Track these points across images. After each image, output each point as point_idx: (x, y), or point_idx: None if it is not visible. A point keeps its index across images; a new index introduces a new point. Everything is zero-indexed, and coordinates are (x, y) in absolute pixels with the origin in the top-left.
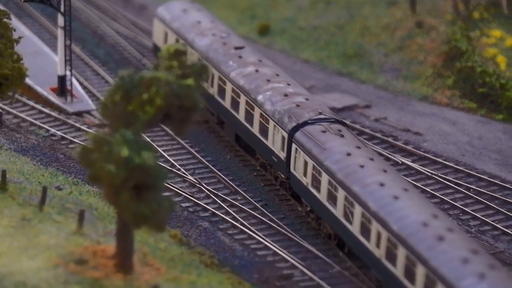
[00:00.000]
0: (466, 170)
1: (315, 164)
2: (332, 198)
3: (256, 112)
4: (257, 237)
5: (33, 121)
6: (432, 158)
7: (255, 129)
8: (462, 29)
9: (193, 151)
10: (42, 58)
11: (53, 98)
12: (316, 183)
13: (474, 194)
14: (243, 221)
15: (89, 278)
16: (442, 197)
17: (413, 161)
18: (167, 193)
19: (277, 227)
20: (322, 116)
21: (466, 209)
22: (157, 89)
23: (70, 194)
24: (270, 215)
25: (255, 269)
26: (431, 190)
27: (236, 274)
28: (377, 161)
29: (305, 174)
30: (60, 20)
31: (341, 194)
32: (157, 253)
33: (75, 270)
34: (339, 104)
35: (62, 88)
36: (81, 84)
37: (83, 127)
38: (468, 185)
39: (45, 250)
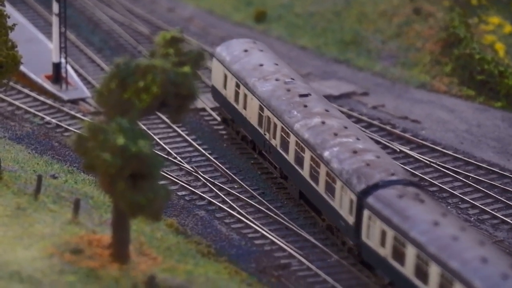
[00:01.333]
0: (465, 158)
1: (397, 235)
2: (421, 273)
3: (322, 170)
4: (254, 226)
5: (28, 108)
6: (430, 146)
7: (321, 188)
8: (460, 15)
9: (189, 139)
10: (37, 45)
11: (48, 85)
12: (399, 256)
13: (473, 182)
14: (240, 210)
15: (84, 268)
16: (441, 185)
17: (411, 149)
18: (163, 182)
19: (275, 216)
20: (395, 178)
21: (465, 198)
22: (153, 76)
23: (66, 183)
24: (268, 204)
25: (252, 259)
26: (429, 178)
27: (233, 264)
28: (469, 231)
29: (382, 244)
30: (55, 7)
31: (434, 270)
32: (154, 243)
33: (70, 259)
34: (336, 91)
35: (57, 76)
36: (76, 71)
37: (78, 115)
38: (467, 173)
39: (40, 240)
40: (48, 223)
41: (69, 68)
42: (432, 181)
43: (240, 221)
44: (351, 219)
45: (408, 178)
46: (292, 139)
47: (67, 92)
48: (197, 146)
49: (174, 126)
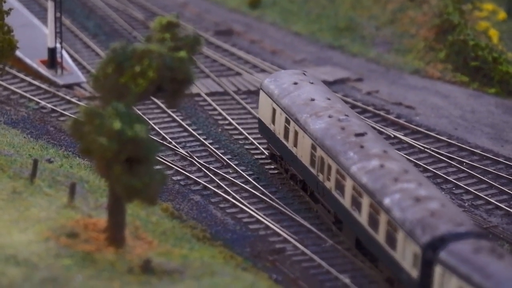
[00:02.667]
0: (459, 144)
1: None
2: None
3: (383, 218)
4: (249, 211)
5: (23, 93)
6: (424, 132)
7: (381, 237)
8: (454, 2)
9: (184, 124)
10: (32, 30)
11: (43, 70)
12: None
13: (467, 168)
14: (235, 195)
15: (80, 252)
16: (435, 171)
17: (405, 135)
18: (158, 166)
19: (269, 201)
20: (463, 229)
21: (459, 183)
22: (149, 61)
23: (61, 167)
24: (262, 189)
25: (247, 243)
26: (423, 164)
27: (228, 248)
28: None
29: None
30: None
31: None
32: (149, 227)
33: (66, 243)
34: (331, 77)
35: (52, 61)
36: (71, 56)
37: (74, 100)
38: (461, 159)
39: (36, 223)
40: (44, 207)
41: (64, 53)
42: (427, 166)
43: (235, 205)
44: (415, 273)
45: (477, 229)
46: (349, 183)
47: (62, 77)
48: (192, 131)
49: (169, 111)
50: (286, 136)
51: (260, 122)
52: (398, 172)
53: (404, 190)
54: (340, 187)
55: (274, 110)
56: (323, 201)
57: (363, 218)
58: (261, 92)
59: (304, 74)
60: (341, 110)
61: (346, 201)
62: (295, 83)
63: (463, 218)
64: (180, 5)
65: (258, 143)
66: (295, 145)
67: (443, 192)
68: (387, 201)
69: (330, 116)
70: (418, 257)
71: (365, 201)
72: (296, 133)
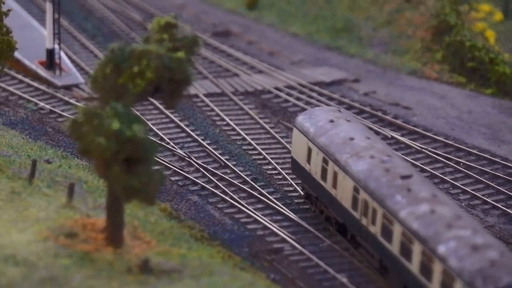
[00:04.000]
0: (456, 144)
1: None
2: None
3: (437, 267)
4: (247, 211)
5: (22, 94)
6: (421, 132)
7: (435, 287)
8: (451, 3)
9: (182, 125)
10: (31, 32)
11: (42, 71)
12: None
13: (464, 169)
14: (233, 195)
15: (79, 251)
16: (432, 171)
17: (402, 135)
18: (157, 167)
19: (267, 201)
20: None
21: (456, 183)
22: (147, 62)
23: (60, 168)
24: (260, 189)
25: (245, 243)
26: (421, 164)
27: (226, 248)
28: None
29: None
30: None
31: None
32: (147, 227)
33: (65, 243)
34: (328, 78)
35: (50, 62)
36: (69, 57)
37: (72, 101)
38: (458, 159)
39: (35, 223)
40: (42, 207)
41: (62, 54)
42: (424, 167)
43: (233, 206)
44: None
45: None
46: (397, 228)
47: (61, 78)
48: (190, 132)
49: (167, 112)
50: (323, 176)
51: (293, 161)
52: (450, 218)
53: (459, 238)
54: (387, 232)
55: (309, 149)
56: (367, 246)
57: (413, 265)
58: (294, 130)
59: (340, 111)
60: (382, 150)
61: (394, 247)
62: (331, 121)
63: None
64: (178, 6)
65: (291, 179)
66: (335, 186)
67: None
68: (442, 249)
69: (372, 157)
70: None
71: (417, 248)
72: (335, 174)
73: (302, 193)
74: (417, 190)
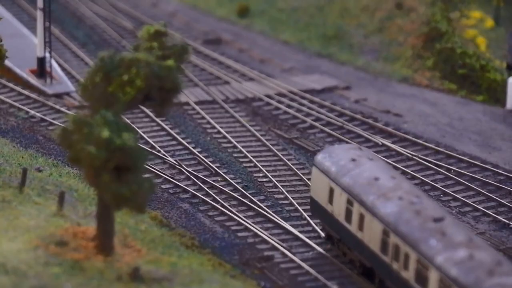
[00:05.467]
0: (447, 151)
1: None
2: None
3: None
4: (237, 218)
5: (13, 103)
6: (412, 140)
7: None
8: (442, 10)
9: (173, 133)
10: (21, 40)
11: (33, 80)
12: None
13: (454, 176)
14: (223, 203)
15: (69, 260)
16: (423, 178)
17: (393, 142)
18: (147, 175)
19: (258, 209)
20: None
21: (447, 190)
22: (137, 70)
23: (50, 176)
24: (251, 197)
25: (235, 251)
26: (411, 171)
27: (217, 256)
28: None
29: None
30: (40, 1)
31: None
32: (138, 235)
33: (55, 251)
34: (319, 85)
35: (41, 70)
36: (60, 66)
37: (63, 109)
38: (449, 166)
39: (25, 232)
40: (33, 216)
41: (53, 62)
42: (414, 174)
43: (223, 213)
44: None
45: None
46: (434, 275)
47: (52, 86)
48: (180, 139)
49: (157, 120)
50: (348, 218)
51: (313, 201)
52: (491, 264)
53: (503, 286)
54: (422, 278)
55: (331, 190)
56: None
57: None
58: (313, 169)
59: (360, 149)
60: (410, 190)
61: None
62: (353, 160)
63: None
64: (169, 14)
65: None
66: (361, 229)
67: None
68: None
69: (400, 198)
70: None
71: None
72: (361, 216)
73: (322, 234)
74: (452, 233)
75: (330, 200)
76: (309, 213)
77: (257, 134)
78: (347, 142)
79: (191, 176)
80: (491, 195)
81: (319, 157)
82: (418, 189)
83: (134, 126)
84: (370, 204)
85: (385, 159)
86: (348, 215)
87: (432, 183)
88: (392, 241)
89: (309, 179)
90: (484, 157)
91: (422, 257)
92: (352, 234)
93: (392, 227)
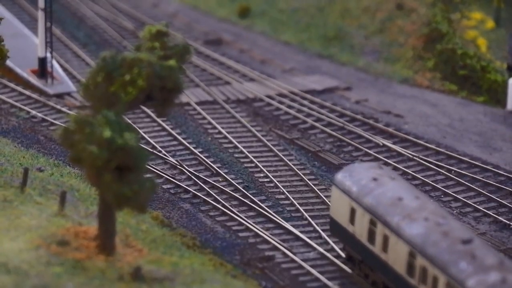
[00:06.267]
0: (447, 152)
1: None
2: None
3: None
4: (238, 219)
5: (14, 103)
6: (413, 140)
7: None
8: (442, 11)
9: (174, 133)
10: (23, 40)
11: (34, 80)
12: None
13: (455, 176)
14: (224, 203)
15: (71, 260)
16: (424, 179)
17: (394, 143)
18: (148, 175)
19: (259, 209)
20: None
21: (448, 191)
22: (139, 70)
23: (52, 176)
24: (252, 197)
25: (237, 251)
26: (412, 172)
27: (218, 256)
28: None
29: None
30: (41, 2)
31: None
32: (139, 235)
33: (57, 251)
34: (320, 86)
35: (42, 70)
36: (61, 66)
37: (64, 109)
38: (449, 167)
39: (26, 232)
40: (34, 216)
41: (54, 62)
42: (415, 174)
43: (224, 214)
44: None
45: None
46: None
47: (53, 87)
48: (182, 140)
49: (159, 120)
50: (371, 239)
51: (333, 221)
52: None
53: None
54: None
55: (353, 210)
56: None
57: None
58: (334, 189)
59: (381, 167)
60: (436, 211)
61: None
62: (375, 179)
63: None
64: (170, 15)
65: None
66: (385, 250)
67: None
68: None
69: (426, 219)
70: None
71: None
72: (386, 238)
73: (343, 254)
74: (483, 256)
75: (352, 220)
76: (327, 231)
77: (258, 134)
78: (348, 144)
79: (192, 177)
80: (491, 195)
81: (339, 176)
82: (443, 209)
83: (135, 126)
84: (395, 225)
85: (386, 160)
86: (371, 236)
87: (433, 184)
88: (419, 263)
89: (309, 180)
90: (485, 158)
91: (452, 280)
92: (376, 255)
93: (419, 249)
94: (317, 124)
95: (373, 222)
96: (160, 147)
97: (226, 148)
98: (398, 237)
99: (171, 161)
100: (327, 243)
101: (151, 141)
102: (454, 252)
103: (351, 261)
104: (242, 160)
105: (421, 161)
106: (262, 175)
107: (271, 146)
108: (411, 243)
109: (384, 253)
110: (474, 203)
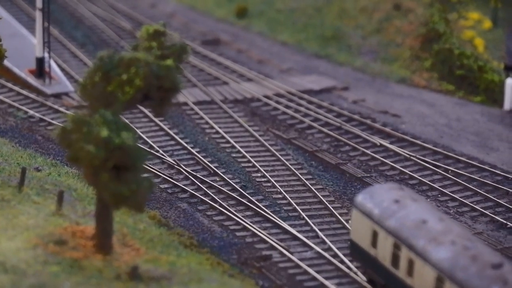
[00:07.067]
0: (444, 152)
1: None
2: None
3: None
4: (236, 218)
5: (12, 103)
6: (410, 140)
7: None
8: (440, 11)
9: (171, 133)
10: (20, 40)
11: (32, 80)
12: None
13: (452, 176)
14: (222, 203)
15: (68, 259)
16: (421, 178)
17: (391, 143)
18: (146, 174)
19: (256, 209)
20: None
21: (445, 191)
22: (136, 69)
23: (49, 175)
24: (249, 196)
25: (234, 250)
26: (409, 171)
27: (215, 255)
28: None
29: None
30: (39, 2)
31: None
32: (136, 234)
33: (54, 250)
34: (317, 86)
35: (40, 70)
36: (59, 66)
37: (62, 109)
38: (447, 167)
39: (24, 231)
40: (32, 215)
41: (52, 62)
42: (412, 174)
43: (222, 213)
44: None
45: None
46: None
47: (51, 87)
48: (179, 139)
49: (156, 120)
50: (395, 263)
51: (353, 244)
52: None
53: None
54: None
55: (375, 233)
56: None
57: None
58: (354, 211)
59: (402, 188)
60: (461, 234)
61: None
62: (397, 201)
63: None
64: (167, 15)
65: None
66: (410, 274)
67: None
68: None
69: (453, 243)
70: None
71: None
72: (411, 262)
73: (364, 277)
74: None
75: (374, 244)
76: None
77: (256, 134)
78: (345, 143)
79: (189, 176)
80: (488, 195)
81: (360, 198)
82: (469, 232)
83: (133, 126)
84: (420, 248)
85: (384, 160)
86: (395, 259)
87: (430, 183)
88: None
89: (307, 180)
90: (482, 157)
91: None
92: (400, 279)
93: (448, 274)
94: (314, 124)
95: (397, 245)
96: (158, 146)
97: (223, 148)
98: (425, 261)
99: (169, 161)
100: (324, 242)
101: (149, 140)
102: (485, 278)
103: (373, 285)
104: (239, 160)
105: (418, 161)
106: (259, 174)
107: (269, 146)
108: (438, 268)
109: (409, 277)
110: (471, 202)
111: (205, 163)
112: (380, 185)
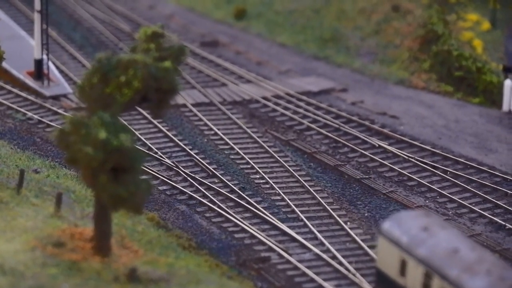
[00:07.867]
0: (443, 153)
1: None
2: None
3: None
4: (234, 220)
5: (10, 105)
6: (408, 141)
7: None
8: (438, 12)
9: (170, 135)
10: (19, 42)
11: (30, 82)
12: None
13: (451, 177)
14: (220, 204)
15: (66, 261)
16: (419, 180)
17: (389, 144)
18: (144, 176)
19: (255, 210)
20: None
21: (443, 192)
22: (134, 71)
23: (48, 177)
24: (248, 198)
25: (232, 252)
26: (408, 173)
27: (214, 257)
28: None
29: None
30: (37, 3)
31: None
32: (135, 236)
33: (52, 252)
34: (316, 87)
35: (39, 72)
36: (57, 68)
37: (60, 111)
38: (445, 168)
39: (22, 233)
40: (30, 217)
41: (50, 64)
42: (411, 175)
43: (220, 215)
44: None
45: None
46: None
47: (49, 88)
48: (177, 141)
49: (155, 121)
50: None
51: (380, 272)
52: None
53: None
54: None
55: (403, 262)
56: None
57: None
58: (381, 239)
59: (428, 215)
60: (496, 263)
61: None
62: (426, 229)
63: None
64: (166, 16)
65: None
66: None
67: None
68: None
69: (489, 272)
70: None
71: None
72: None
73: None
74: None
75: (402, 273)
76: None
77: (254, 136)
78: (344, 145)
79: (188, 178)
80: (487, 196)
81: (386, 226)
82: (502, 261)
83: (131, 128)
84: (455, 279)
85: (382, 161)
86: None
87: (429, 185)
88: None
89: (305, 181)
90: (481, 159)
91: None
92: None
93: None
94: (313, 126)
95: (429, 274)
96: (156, 148)
97: (222, 149)
98: None
99: (167, 163)
100: (323, 244)
101: (147, 142)
102: None
103: None
104: (238, 161)
105: (416, 162)
106: (258, 176)
107: (267, 148)
108: None
109: None
110: (470, 204)
111: (203, 164)
112: (406, 212)
